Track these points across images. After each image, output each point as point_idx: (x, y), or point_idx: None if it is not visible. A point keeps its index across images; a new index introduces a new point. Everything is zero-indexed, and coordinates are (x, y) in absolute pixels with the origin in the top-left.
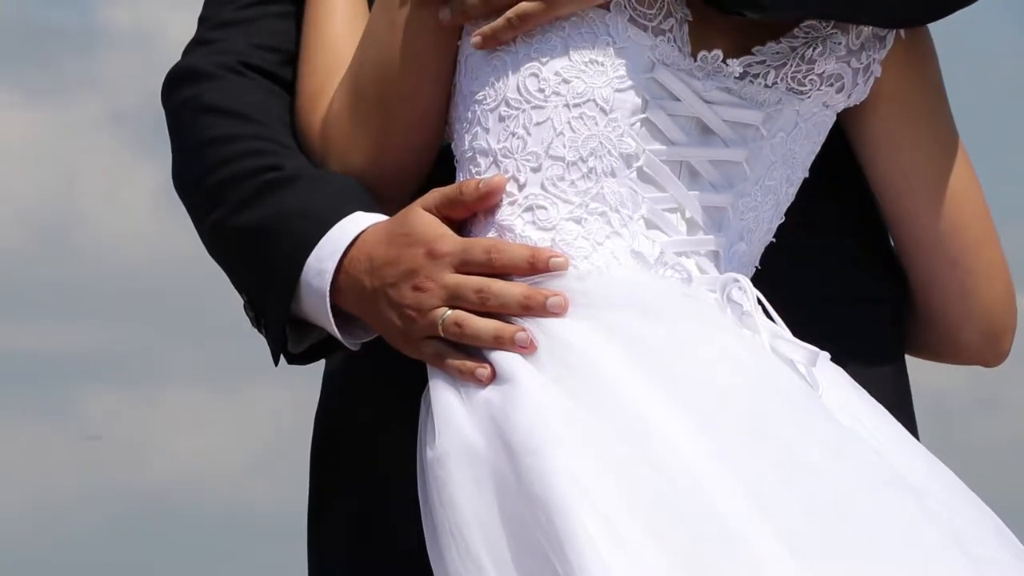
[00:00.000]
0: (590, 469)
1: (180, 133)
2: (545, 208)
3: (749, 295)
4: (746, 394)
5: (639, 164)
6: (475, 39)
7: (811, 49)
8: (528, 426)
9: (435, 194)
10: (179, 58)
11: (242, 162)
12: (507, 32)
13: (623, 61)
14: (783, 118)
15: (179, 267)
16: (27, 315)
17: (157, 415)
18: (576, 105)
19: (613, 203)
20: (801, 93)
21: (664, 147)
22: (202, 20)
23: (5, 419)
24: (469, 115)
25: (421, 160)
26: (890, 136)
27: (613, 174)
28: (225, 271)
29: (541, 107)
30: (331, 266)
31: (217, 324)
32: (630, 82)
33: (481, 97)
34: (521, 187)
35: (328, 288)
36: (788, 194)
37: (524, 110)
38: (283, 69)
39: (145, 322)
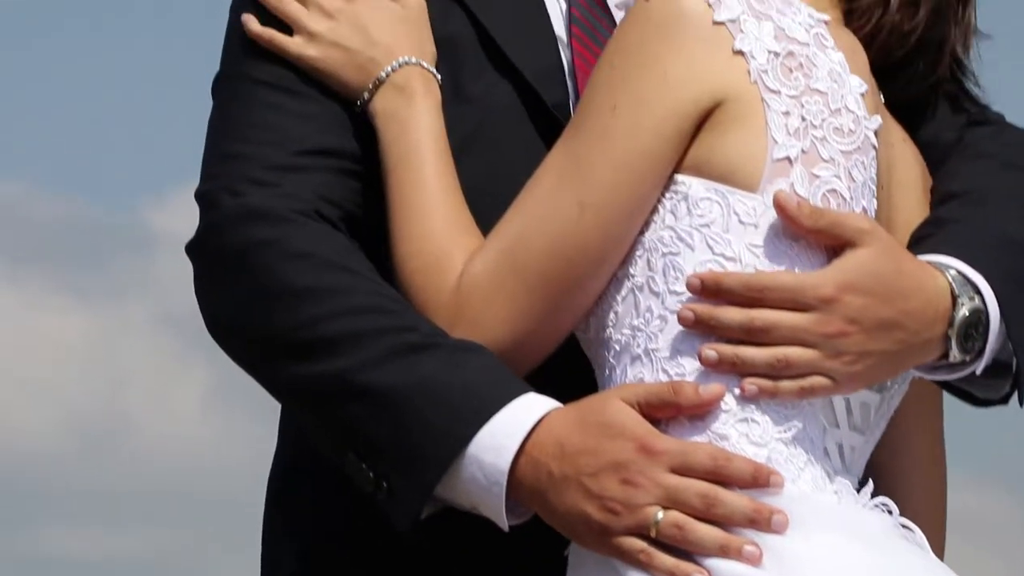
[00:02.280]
0: None
1: (254, 276)
2: (759, 423)
3: (919, 538)
4: None
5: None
6: (751, 387)
7: None
8: None
9: (638, 389)
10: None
11: (367, 317)
12: (791, 397)
13: None
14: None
15: (227, 472)
16: (74, 521)
17: None
18: None
19: (811, 431)
20: None
21: None
22: (237, 156)
23: None
24: (666, 314)
25: (560, 340)
26: (914, 400)
27: (812, 402)
28: (319, 424)
29: None
30: (514, 444)
31: None
32: None
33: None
34: (737, 398)
35: (509, 467)
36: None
37: None
38: (343, 225)
39: (192, 528)
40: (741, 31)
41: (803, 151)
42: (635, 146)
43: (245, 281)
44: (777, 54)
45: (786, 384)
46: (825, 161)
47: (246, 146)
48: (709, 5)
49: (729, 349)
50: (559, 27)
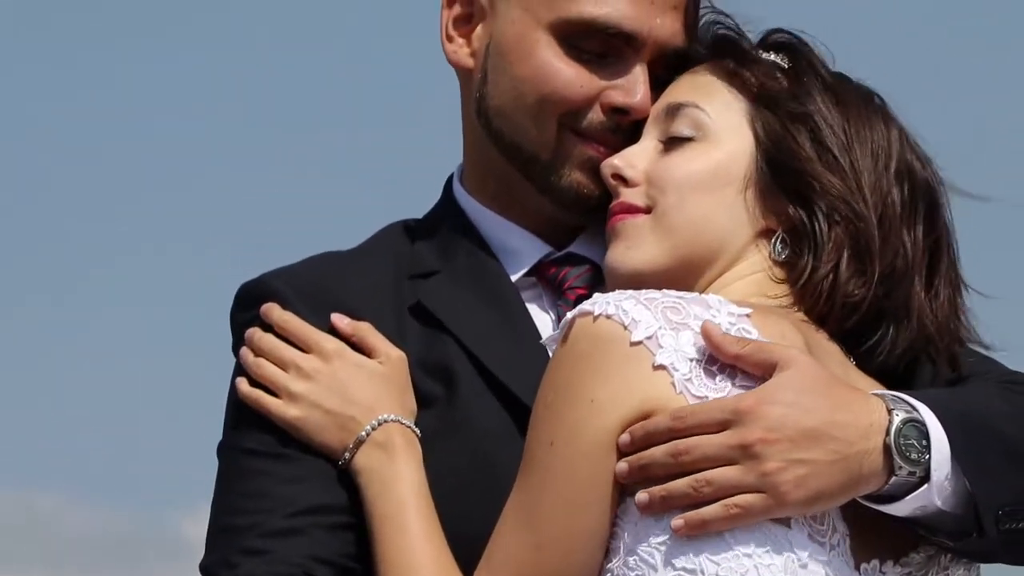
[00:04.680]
0: None
1: None
2: None
3: None
4: None
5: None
6: (677, 522)
7: (945, 557)
8: None
9: None
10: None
11: None
12: (722, 523)
13: None
14: None
15: None
16: None
17: None
18: None
19: None
20: None
21: None
22: (231, 528)
23: None
24: None
25: None
26: None
27: None
28: None
29: None
30: None
31: None
32: None
33: None
34: None
35: None
36: None
37: None
38: None
39: None
40: (660, 346)
41: None
42: (575, 477)
43: None
44: (699, 360)
45: (711, 509)
46: None
47: (239, 517)
48: (625, 327)
49: (657, 487)
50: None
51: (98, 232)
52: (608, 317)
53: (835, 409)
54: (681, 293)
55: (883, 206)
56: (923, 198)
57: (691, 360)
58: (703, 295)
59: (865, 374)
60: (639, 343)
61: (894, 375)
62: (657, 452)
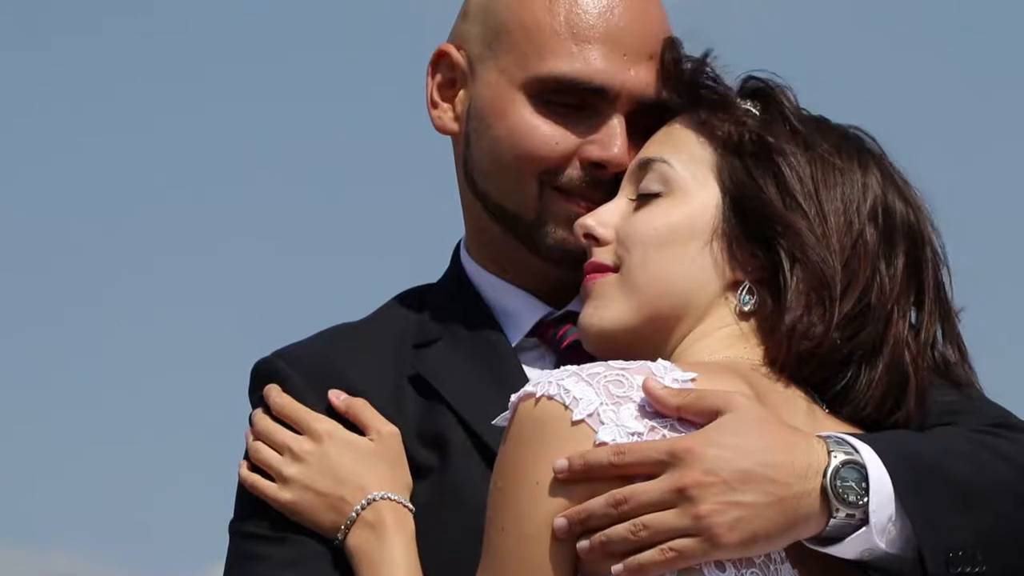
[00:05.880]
0: None
1: None
2: None
3: None
4: None
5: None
6: (617, 568)
7: None
8: None
9: None
10: None
11: None
12: (659, 567)
13: None
14: None
15: None
16: None
17: None
18: None
19: None
20: None
21: None
22: None
23: None
24: None
25: None
26: None
27: None
28: None
29: None
30: None
31: None
32: None
33: None
34: None
35: None
36: None
37: None
38: None
39: None
40: (601, 423)
41: None
42: (526, 560)
43: None
44: (640, 433)
45: (648, 554)
46: None
47: None
48: (566, 407)
49: (598, 534)
50: None
51: (126, 291)
52: (549, 398)
53: (773, 451)
54: (626, 364)
55: (852, 249)
56: (904, 237)
57: (632, 434)
58: (649, 363)
59: (841, 421)
60: (580, 421)
61: (879, 421)
62: (596, 504)
